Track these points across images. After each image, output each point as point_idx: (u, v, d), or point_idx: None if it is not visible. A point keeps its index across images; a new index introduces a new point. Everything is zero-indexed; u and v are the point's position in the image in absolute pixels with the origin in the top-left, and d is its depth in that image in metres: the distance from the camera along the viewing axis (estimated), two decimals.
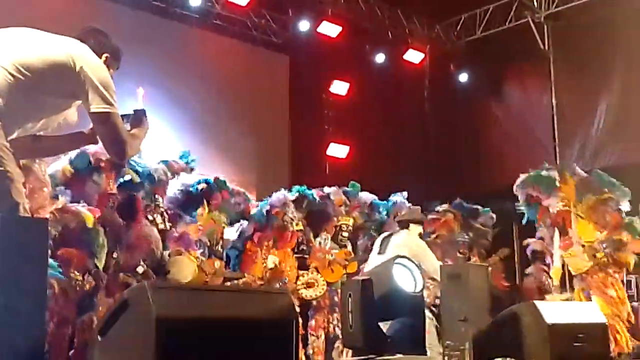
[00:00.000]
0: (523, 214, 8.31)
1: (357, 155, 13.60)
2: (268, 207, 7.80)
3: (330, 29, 13.31)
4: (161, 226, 6.63)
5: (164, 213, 6.74)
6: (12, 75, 3.11)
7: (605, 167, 12.73)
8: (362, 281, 4.23)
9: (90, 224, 5.81)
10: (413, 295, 4.29)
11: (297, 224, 7.94)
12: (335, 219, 8.53)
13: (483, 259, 9.66)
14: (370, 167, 12.78)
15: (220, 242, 7.56)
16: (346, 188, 8.93)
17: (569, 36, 13.46)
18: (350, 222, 8.65)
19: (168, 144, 10.28)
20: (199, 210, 7.12)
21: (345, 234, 8.56)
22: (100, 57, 3.39)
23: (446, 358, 5.14)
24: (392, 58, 14.50)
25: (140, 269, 6.32)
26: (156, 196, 6.69)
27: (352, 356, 4.83)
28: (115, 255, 6.32)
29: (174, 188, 7.10)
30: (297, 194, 8.18)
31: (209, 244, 7.34)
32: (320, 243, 8.38)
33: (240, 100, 12.69)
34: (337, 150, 13.76)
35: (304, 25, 13.22)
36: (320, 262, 8.16)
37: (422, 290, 4.37)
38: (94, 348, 3.15)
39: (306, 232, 8.29)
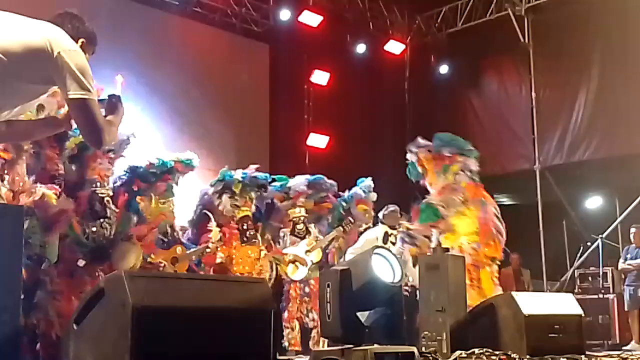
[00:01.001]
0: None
1: (336, 145, 13.57)
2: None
3: (311, 19, 13.25)
4: (101, 213, 6.42)
5: (104, 199, 6.50)
6: None
7: (583, 159, 12.87)
8: (340, 271, 4.22)
9: (54, 202, 5.70)
10: (391, 286, 4.29)
11: (241, 211, 7.92)
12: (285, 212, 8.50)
13: None
14: (350, 158, 12.77)
15: (176, 228, 7.47)
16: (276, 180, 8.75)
17: (549, 29, 13.52)
18: (301, 211, 8.56)
19: (146, 133, 10.21)
20: (142, 205, 6.89)
21: (300, 226, 8.49)
22: (77, 42, 3.34)
23: (423, 348, 5.16)
24: (373, 49, 14.48)
25: (81, 263, 6.22)
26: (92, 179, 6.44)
27: (329, 346, 4.83)
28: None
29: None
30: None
31: (164, 239, 7.23)
32: (279, 242, 8.37)
33: (220, 89, 12.62)
34: (317, 141, 13.73)
35: (284, 15, 13.15)
36: (283, 262, 8.15)
37: (400, 281, 4.37)
38: (69, 336, 3.13)
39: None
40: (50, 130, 3.80)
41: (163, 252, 6.96)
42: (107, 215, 6.38)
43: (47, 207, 5.52)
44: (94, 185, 6.28)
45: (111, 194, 6.53)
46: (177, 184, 7.27)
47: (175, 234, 7.38)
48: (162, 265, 6.78)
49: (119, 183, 6.61)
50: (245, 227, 7.86)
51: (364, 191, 8.85)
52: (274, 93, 13.64)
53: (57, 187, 5.87)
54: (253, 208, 8.12)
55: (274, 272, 8.00)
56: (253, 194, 8.11)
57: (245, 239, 7.82)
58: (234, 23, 13.15)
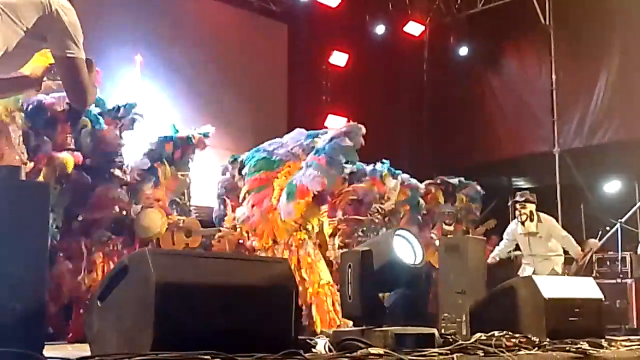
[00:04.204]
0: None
1: None
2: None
3: None
4: (123, 178, 6.52)
5: (122, 166, 6.58)
6: None
7: (603, 142, 12.77)
8: (361, 252, 4.20)
9: (70, 169, 5.75)
10: (412, 267, 4.26)
11: None
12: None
13: (469, 233, 9.77)
14: (368, 140, 12.69)
15: (188, 196, 7.51)
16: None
17: (570, 11, 13.38)
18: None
19: (164, 111, 10.23)
20: (160, 170, 6.95)
21: None
22: None
23: (443, 330, 5.15)
24: (392, 30, 14.40)
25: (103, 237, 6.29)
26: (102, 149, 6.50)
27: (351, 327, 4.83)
28: (79, 217, 6.26)
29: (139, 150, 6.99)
30: None
31: (178, 200, 7.30)
32: None
33: (237, 68, 12.59)
34: (335, 122, 13.66)
35: None
36: None
37: (421, 262, 4.35)
38: (93, 313, 3.15)
39: None
40: (18, 90, 3.75)
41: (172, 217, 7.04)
42: (127, 180, 6.50)
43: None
44: (111, 156, 6.41)
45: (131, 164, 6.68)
46: (192, 159, 7.34)
47: (186, 206, 7.44)
48: (182, 220, 6.87)
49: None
50: None
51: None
52: (292, 74, 13.60)
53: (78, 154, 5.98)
54: None
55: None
56: None
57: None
58: (252, 2, 13.09)
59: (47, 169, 5.80)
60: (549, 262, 8.37)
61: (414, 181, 9.13)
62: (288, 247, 6.63)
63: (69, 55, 3.15)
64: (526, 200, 8.51)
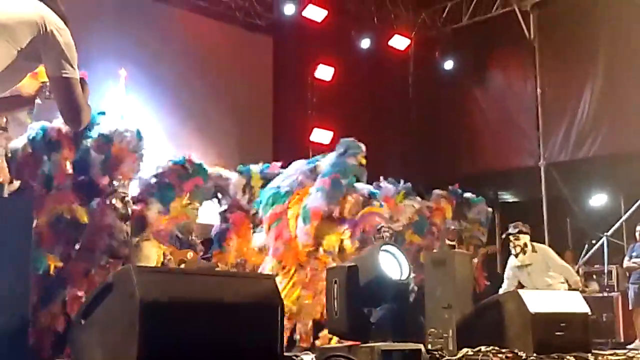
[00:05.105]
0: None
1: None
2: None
3: (315, 13, 13.18)
4: (122, 211, 6.44)
5: (125, 198, 6.53)
6: None
7: (588, 156, 12.83)
8: (347, 267, 4.19)
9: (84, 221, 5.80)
10: (399, 282, 4.25)
11: None
12: None
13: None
14: None
15: (193, 232, 7.47)
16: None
17: (555, 25, 13.48)
18: None
19: (148, 125, 10.17)
20: (173, 203, 6.97)
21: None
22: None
23: (430, 345, 5.13)
24: (378, 43, 14.42)
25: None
26: (117, 178, 6.45)
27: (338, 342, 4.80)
28: (76, 246, 6.20)
29: (147, 172, 6.96)
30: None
31: (180, 235, 7.25)
32: None
33: (223, 83, 12.57)
34: (321, 136, 13.68)
35: (289, 9, 13.07)
36: None
37: (407, 278, 4.34)
38: (76, 330, 3.11)
39: None
40: (12, 109, 3.73)
41: (175, 250, 6.98)
42: (129, 213, 6.44)
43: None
44: (115, 185, 6.36)
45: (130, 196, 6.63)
46: (208, 192, 7.44)
47: (191, 238, 7.40)
48: (169, 258, 6.81)
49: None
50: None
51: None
52: (277, 88, 13.60)
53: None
54: None
55: None
56: None
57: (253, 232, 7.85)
58: (237, 16, 13.09)
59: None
60: None
61: (424, 204, 9.03)
62: (314, 270, 6.89)
63: (64, 75, 3.14)
64: (519, 232, 8.28)
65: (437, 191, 9.50)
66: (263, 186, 7.96)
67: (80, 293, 5.97)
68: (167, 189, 7.02)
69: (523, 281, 8.46)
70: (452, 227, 9.40)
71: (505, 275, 8.68)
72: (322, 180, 7.11)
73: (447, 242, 9.32)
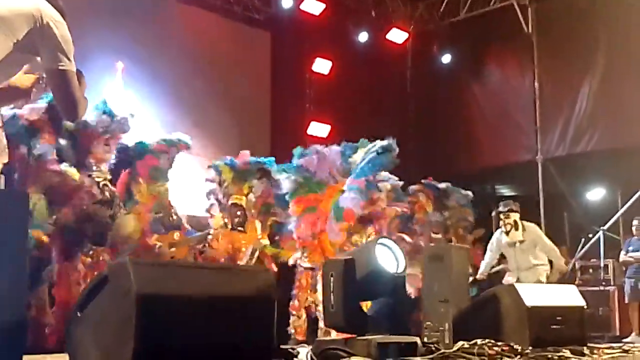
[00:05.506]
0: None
1: (338, 134, 13.50)
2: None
3: (313, 7, 13.17)
4: (99, 197, 6.39)
5: (100, 183, 6.47)
6: None
7: (586, 151, 12.85)
8: (344, 261, 4.19)
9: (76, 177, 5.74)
10: (395, 276, 4.26)
11: (235, 198, 7.94)
12: None
13: (462, 240, 9.69)
14: None
15: (172, 210, 7.42)
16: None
17: (553, 19, 13.46)
18: None
19: (146, 119, 10.18)
20: (136, 189, 6.90)
21: None
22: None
23: (426, 338, 5.14)
24: (375, 37, 14.41)
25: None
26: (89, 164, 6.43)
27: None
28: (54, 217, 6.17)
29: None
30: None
31: (159, 216, 7.21)
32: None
33: (221, 76, 12.55)
34: (319, 129, 13.67)
35: (286, 2, 13.06)
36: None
37: (404, 271, 4.34)
38: (73, 323, 3.11)
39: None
40: (8, 101, 3.74)
41: (161, 236, 6.96)
42: (107, 198, 6.40)
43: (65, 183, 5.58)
44: (90, 170, 6.31)
45: (108, 177, 6.56)
46: (170, 165, 7.29)
47: (172, 219, 7.35)
48: (158, 246, 6.78)
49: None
50: (238, 213, 7.87)
51: None
52: (275, 81, 13.58)
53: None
54: (253, 196, 8.07)
55: (253, 261, 7.89)
56: (255, 181, 8.06)
57: (232, 226, 7.84)
58: (235, 10, 13.07)
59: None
60: (533, 274, 8.29)
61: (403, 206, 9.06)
62: None
63: (60, 68, 3.15)
64: (510, 210, 8.41)
65: (413, 187, 9.58)
66: (234, 177, 7.95)
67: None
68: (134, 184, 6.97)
69: (508, 257, 8.60)
70: (435, 220, 9.49)
71: (489, 247, 8.78)
72: (357, 181, 7.12)
73: (432, 235, 9.38)
